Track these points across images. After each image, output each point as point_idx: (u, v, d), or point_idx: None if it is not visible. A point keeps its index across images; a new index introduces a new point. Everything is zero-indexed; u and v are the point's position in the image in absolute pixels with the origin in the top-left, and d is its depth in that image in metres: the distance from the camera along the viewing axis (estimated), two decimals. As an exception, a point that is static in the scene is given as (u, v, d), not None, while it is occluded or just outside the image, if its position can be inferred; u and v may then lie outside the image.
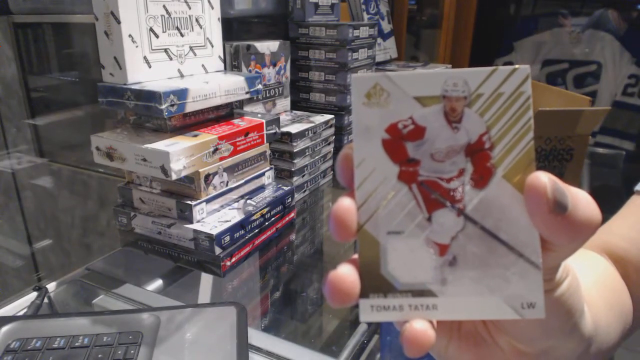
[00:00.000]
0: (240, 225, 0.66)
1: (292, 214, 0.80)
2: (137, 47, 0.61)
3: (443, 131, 0.21)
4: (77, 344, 0.48)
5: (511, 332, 0.26)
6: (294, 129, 0.85)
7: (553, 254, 0.22)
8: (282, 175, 0.87)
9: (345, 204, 0.21)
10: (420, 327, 0.21)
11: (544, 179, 0.20)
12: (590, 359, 0.28)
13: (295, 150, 0.85)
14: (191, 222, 0.64)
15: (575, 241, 0.21)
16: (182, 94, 0.61)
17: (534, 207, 0.21)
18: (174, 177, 0.59)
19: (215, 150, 0.65)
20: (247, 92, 0.72)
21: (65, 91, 0.95)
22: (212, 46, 0.72)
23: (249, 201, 0.72)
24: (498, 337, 0.27)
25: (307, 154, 0.89)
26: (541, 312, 0.21)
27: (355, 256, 0.23)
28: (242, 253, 0.67)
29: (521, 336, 0.25)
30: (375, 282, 0.22)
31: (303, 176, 0.90)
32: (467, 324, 0.28)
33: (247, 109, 0.86)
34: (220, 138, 0.66)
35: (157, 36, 0.63)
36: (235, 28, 0.92)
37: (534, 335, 0.25)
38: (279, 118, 0.77)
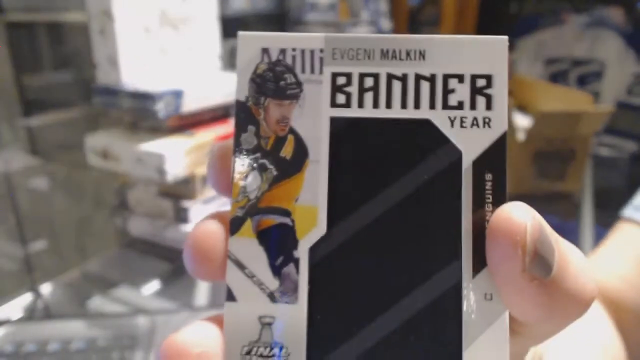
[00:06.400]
0: (238, 226, 0.66)
1: (291, 215, 0.79)
2: (132, 46, 0.60)
3: None
4: (72, 347, 0.47)
5: None
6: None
7: (518, 338, 0.14)
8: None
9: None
10: None
11: (521, 216, 0.13)
12: None
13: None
14: (187, 224, 0.63)
15: (552, 322, 0.14)
16: (178, 94, 0.60)
17: (501, 261, 0.13)
18: (169, 178, 0.58)
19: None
20: (244, 92, 0.71)
21: (60, 91, 0.94)
22: (209, 45, 0.71)
23: (246, 202, 0.71)
24: None
25: (305, 154, 0.89)
26: None
27: None
28: (240, 255, 0.67)
29: None
30: None
31: (302, 176, 0.89)
32: None
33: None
34: (217, 139, 0.65)
35: (152, 35, 0.62)
36: (233, 27, 0.92)
37: None
38: (276, 118, 0.76)
